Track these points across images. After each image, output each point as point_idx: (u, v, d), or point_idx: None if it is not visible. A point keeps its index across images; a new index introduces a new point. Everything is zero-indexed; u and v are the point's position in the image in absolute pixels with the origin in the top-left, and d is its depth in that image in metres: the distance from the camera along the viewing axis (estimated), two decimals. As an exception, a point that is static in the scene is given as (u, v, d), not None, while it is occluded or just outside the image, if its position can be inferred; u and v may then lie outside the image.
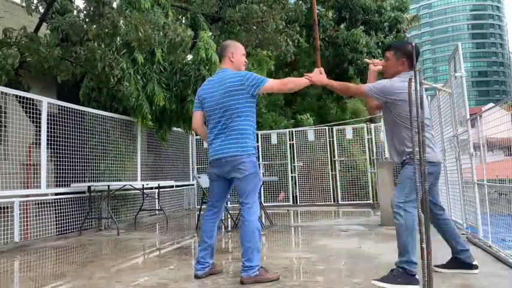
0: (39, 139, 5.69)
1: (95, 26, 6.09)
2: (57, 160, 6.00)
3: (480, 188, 4.57)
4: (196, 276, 3.24)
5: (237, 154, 3.14)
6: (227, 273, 3.42)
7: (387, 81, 3.15)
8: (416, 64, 2.91)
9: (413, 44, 3.23)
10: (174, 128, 8.17)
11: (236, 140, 3.16)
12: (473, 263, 3.11)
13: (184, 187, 9.66)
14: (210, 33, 7.97)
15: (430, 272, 2.14)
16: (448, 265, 3.17)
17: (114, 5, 6.86)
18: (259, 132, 10.11)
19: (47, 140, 5.75)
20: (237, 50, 3.39)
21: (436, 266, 3.12)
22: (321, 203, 9.79)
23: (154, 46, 6.20)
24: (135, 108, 6.59)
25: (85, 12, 6.58)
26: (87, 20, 6.45)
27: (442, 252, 3.35)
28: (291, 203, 10.03)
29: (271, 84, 3.26)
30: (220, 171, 3.25)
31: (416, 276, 2.77)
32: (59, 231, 5.95)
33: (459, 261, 3.12)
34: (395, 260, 2.92)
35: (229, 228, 5.98)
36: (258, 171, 3.24)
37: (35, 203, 5.81)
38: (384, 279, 2.85)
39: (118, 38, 6.40)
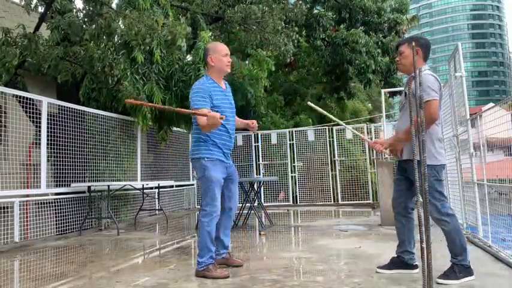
0: (39, 139, 5.69)
1: (94, 26, 6.08)
2: (57, 160, 5.99)
3: (480, 188, 4.56)
4: None
5: (191, 157, 3.44)
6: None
7: (427, 78, 3.04)
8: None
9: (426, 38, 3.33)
10: (174, 128, 8.17)
11: (192, 145, 3.42)
12: (415, 263, 3.21)
13: (184, 187, 9.66)
14: (210, 33, 7.95)
15: (430, 272, 2.14)
16: (389, 265, 3.25)
17: (114, 5, 6.85)
18: (259, 132, 10.10)
19: (47, 140, 5.75)
20: (215, 54, 3.39)
21: (378, 267, 3.27)
22: (321, 203, 9.78)
23: (149, 45, 6.18)
24: (135, 109, 6.57)
25: (84, 12, 6.58)
26: (86, 19, 6.44)
27: (441, 251, 3.35)
28: (291, 202, 10.02)
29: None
30: None
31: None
32: (59, 231, 5.95)
33: (401, 261, 3.22)
34: (451, 260, 2.98)
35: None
36: (206, 175, 3.28)
37: (35, 203, 5.81)
38: (448, 277, 2.92)
39: (116, 38, 6.39)
